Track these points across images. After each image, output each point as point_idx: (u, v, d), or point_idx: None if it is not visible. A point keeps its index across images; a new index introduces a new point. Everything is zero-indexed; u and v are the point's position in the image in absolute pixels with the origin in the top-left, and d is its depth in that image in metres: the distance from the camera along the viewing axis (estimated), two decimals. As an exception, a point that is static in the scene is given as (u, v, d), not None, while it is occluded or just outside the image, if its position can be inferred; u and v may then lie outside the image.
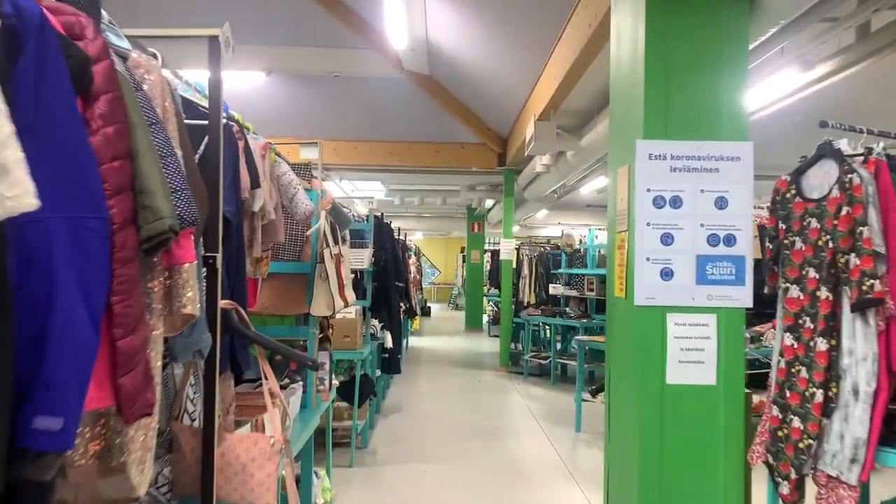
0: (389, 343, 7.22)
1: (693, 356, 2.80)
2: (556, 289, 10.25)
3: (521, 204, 13.34)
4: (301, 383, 3.49)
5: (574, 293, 9.95)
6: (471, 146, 10.66)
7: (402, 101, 9.68)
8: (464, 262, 24.45)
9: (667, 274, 2.81)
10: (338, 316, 5.28)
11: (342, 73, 8.27)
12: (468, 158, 10.66)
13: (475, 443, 6.41)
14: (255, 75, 8.20)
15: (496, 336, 15.60)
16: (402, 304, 11.10)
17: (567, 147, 6.97)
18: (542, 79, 6.86)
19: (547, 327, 11.02)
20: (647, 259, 2.81)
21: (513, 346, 11.04)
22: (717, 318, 2.79)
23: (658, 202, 2.82)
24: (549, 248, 12.87)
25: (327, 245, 3.76)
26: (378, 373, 7.30)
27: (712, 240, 2.82)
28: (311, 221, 3.65)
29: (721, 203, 2.82)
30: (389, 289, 7.39)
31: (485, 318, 17.57)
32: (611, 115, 3.30)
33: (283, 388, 3.10)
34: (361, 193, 13.73)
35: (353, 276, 5.03)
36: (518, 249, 11.83)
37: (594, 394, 8.32)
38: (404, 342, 12.55)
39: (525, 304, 11.64)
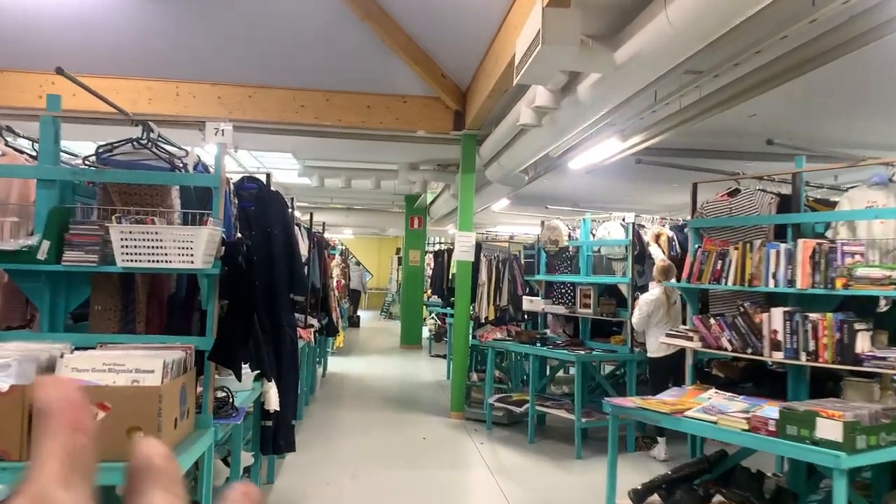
0: (275, 404, 4.07)
1: None
2: (532, 303, 7.28)
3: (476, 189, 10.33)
4: None
5: (560, 309, 7.01)
6: (417, 100, 7.60)
7: (319, 30, 6.56)
8: (399, 264, 21.37)
9: None
10: (111, 379, 2.26)
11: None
12: (413, 117, 7.60)
13: None
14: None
15: (439, 356, 12.56)
16: (316, 322, 7.94)
17: (593, 65, 4.01)
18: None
19: (516, 356, 8.02)
20: None
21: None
22: None
23: None
24: (509, 249, 9.94)
25: None
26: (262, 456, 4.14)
27: None
28: None
29: None
30: (278, 306, 4.28)
31: (425, 332, 14.48)
32: None
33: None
34: (268, 170, 10.44)
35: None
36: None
37: (649, 444, 5.93)
38: (318, 372, 9.34)
39: (481, 322, 8.66)
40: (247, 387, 3.74)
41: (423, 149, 8.92)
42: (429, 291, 14.89)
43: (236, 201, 3.91)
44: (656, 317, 5.94)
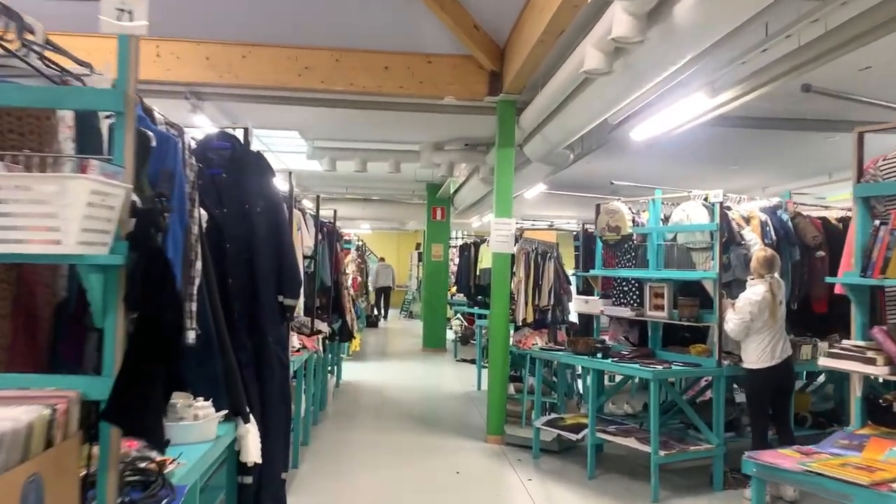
0: (255, 454, 2.79)
1: None
2: (588, 304, 5.96)
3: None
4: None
5: (625, 312, 5.69)
6: (444, 60, 6.31)
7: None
8: (419, 260, 20.11)
9: None
10: None
11: None
12: (439, 80, 6.30)
13: None
14: None
15: (466, 361, 11.27)
16: (326, 326, 6.69)
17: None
18: None
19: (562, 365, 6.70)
20: None
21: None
22: None
23: None
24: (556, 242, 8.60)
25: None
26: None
27: None
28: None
29: None
30: (260, 314, 3.04)
31: (449, 334, 13.19)
32: None
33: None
34: (274, 152, 9.20)
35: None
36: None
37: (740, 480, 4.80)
38: (330, 383, 8.10)
39: (517, 325, 7.34)
40: (205, 436, 2.47)
41: (451, 122, 7.62)
42: (453, 289, 13.62)
43: (194, 163, 2.65)
44: (760, 320, 4.62)
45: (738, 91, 4.83)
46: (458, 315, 12.13)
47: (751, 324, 4.67)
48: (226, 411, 2.68)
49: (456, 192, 12.36)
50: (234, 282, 3.03)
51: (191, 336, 2.52)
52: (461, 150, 8.60)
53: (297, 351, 5.03)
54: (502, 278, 6.33)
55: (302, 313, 5.47)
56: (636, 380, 6.86)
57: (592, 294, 6.56)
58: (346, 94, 6.38)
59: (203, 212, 2.82)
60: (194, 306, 2.56)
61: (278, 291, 3.16)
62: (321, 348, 6.18)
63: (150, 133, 2.37)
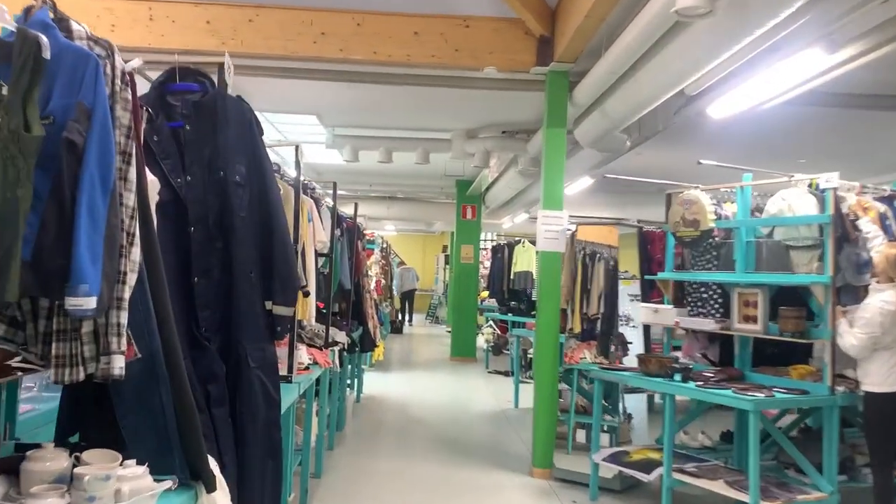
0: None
1: None
2: (657, 313, 4.95)
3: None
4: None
5: (706, 324, 4.66)
6: (484, 23, 5.35)
7: None
8: (446, 263, 19.19)
9: None
10: None
11: None
12: (479, 48, 5.34)
13: None
14: None
15: (499, 373, 10.28)
16: (344, 337, 5.77)
17: None
18: None
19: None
20: None
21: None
22: None
23: None
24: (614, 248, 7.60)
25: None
26: None
27: None
28: None
29: None
30: (237, 326, 2.09)
31: (479, 341, 12.20)
32: None
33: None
34: (288, 138, 8.30)
35: None
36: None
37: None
38: (349, 400, 7.19)
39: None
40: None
41: (487, 104, 6.67)
42: (484, 293, 12.65)
43: (129, 98, 1.72)
44: (891, 334, 3.61)
45: (861, 47, 3.81)
46: (490, 322, 11.16)
47: (879, 339, 3.66)
48: (175, 478, 1.75)
49: (488, 188, 11.39)
50: (202, 281, 2.11)
51: (117, 365, 1.59)
52: (498, 137, 7.63)
53: (306, 368, 4.10)
54: (551, 282, 5.35)
55: (313, 320, 4.54)
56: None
57: (658, 301, 5.54)
58: (368, 64, 5.44)
59: (153, 178, 1.89)
60: (124, 317, 1.63)
61: (266, 295, 2.23)
62: (338, 362, 5.25)
63: (43, 40, 1.46)
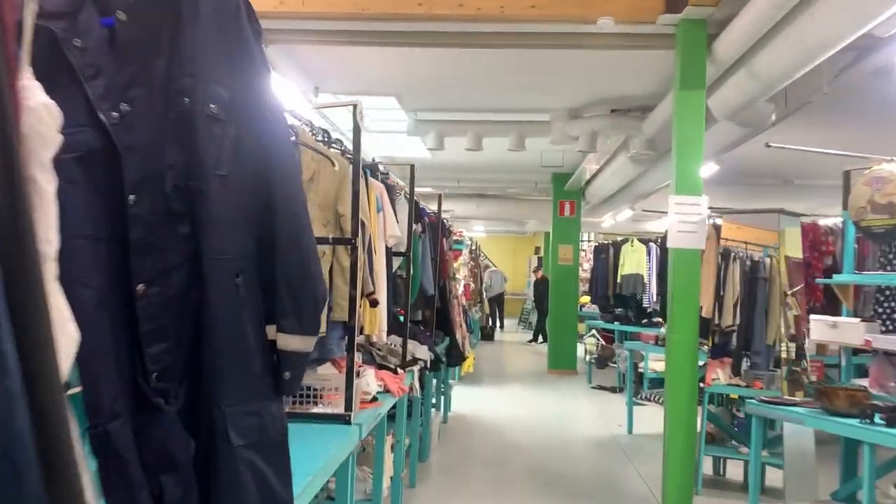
0: None
1: None
2: (836, 329, 3.70)
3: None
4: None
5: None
6: (597, -37, 4.27)
7: None
8: (539, 265, 18.03)
9: None
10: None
11: None
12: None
13: None
14: None
15: (604, 389, 9.10)
16: (427, 352, 4.81)
17: None
18: None
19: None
20: None
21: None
22: None
23: None
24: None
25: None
26: None
27: None
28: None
29: None
30: (211, 355, 1.09)
31: (582, 352, 11.02)
32: None
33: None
34: (370, 132, 7.46)
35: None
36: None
37: None
38: (435, 422, 6.24)
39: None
40: None
41: (599, 70, 5.58)
42: (585, 299, 11.45)
43: None
44: None
45: None
46: (593, 332, 9.96)
47: None
48: None
49: (589, 181, 10.21)
50: (151, 292, 1.16)
51: None
52: (606, 116, 6.49)
53: (373, 399, 3.16)
54: (687, 286, 4.18)
55: (385, 335, 3.61)
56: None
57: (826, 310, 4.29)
58: (453, 21, 4.46)
59: (47, 103, 0.95)
60: None
61: (267, 314, 1.26)
62: (417, 385, 4.29)
63: None
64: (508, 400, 8.60)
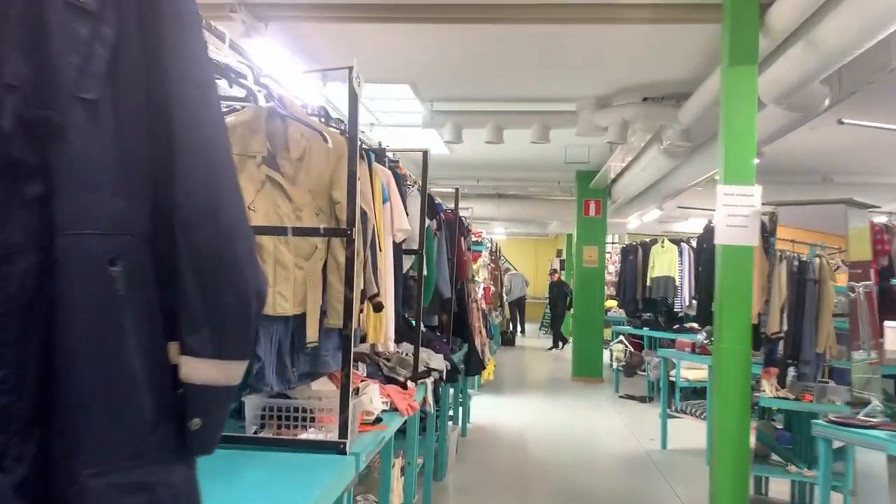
0: None
1: None
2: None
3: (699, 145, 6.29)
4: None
5: None
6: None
7: None
8: (561, 268, 17.50)
9: None
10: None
11: None
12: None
13: None
14: None
15: (633, 398, 8.57)
16: (443, 361, 4.32)
17: None
18: None
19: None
20: None
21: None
22: None
23: None
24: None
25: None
26: None
27: None
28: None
29: None
30: (64, 396, 0.60)
31: (608, 359, 10.48)
32: None
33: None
34: (384, 125, 7.01)
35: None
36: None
37: None
38: (452, 436, 5.74)
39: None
40: None
41: (632, 51, 5.07)
42: (611, 303, 10.91)
43: None
44: None
45: None
46: (621, 338, 9.42)
47: None
48: None
49: (616, 178, 9.68)
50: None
51: None
52: (638, 104, 5.98)
53: (376, 421, 2.68)
54: (737, 287, 3.66)
55: (391, 344, 3.14)
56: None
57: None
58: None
59: None
60: None
61: (168, 325, 0.80)
62: (431, 400, 3.81)
63: None
64: (531, 410, 8.09)
